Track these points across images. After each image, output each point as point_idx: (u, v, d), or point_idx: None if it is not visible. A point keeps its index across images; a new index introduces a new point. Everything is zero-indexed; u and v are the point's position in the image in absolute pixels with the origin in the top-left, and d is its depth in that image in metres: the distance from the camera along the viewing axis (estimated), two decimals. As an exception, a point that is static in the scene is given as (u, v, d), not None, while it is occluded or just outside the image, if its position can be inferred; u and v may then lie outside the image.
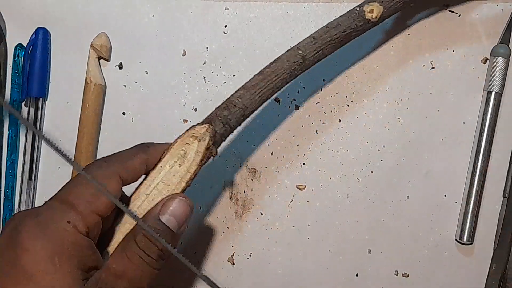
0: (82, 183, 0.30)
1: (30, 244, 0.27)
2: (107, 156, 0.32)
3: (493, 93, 0.43)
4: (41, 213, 0.28)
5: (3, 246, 0.28)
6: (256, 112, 0.44)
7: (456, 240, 0.44)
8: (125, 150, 0.33)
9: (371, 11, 0.36)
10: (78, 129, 0.43)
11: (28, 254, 0.27)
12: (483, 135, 0.43)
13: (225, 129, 0.34)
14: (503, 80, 0.43)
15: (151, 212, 0.31)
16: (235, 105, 0.34)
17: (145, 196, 0.32)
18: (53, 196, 0.30)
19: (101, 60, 0.44)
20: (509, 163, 0.44)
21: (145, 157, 0.32)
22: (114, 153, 0.33)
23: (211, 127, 0.33)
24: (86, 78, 0.43)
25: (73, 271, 0.27)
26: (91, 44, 0.43)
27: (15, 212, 0.44)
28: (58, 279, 0.27)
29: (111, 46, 0.44)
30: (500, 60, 0.42)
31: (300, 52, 0.36)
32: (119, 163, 0.31)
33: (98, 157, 0.45)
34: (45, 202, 0.30)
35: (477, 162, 0.43)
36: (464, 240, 0.43)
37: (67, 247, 0.27)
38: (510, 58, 0.43)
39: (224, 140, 0.35)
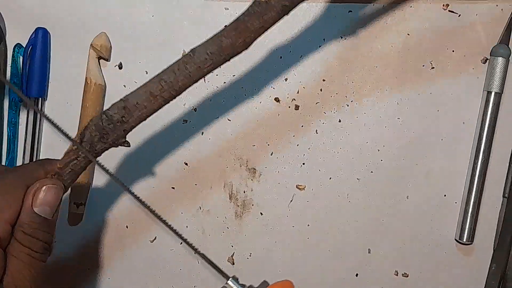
0: None
1: None
2: (15, 167, 0.33)
3: (493, 93, 0.43)
4: None
5: None
6: (256, 112, 0.44)
7: (456, 240, 0.44)
8: (31, 162, 0.34)
9: None
10: (78, 129, 0.43)
11: None
12: (483, 135, 0.43)
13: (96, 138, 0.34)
14: (503, 80, 0.43)
15: (24, 207, 0.30)
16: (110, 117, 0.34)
17: None
18: None
19: (101, 60, 0.44)
20: (509, 163, 0.44)
21: (49, 169, 0.33)
22: (22, 165, 0.33)
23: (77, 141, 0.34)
24: (86, 78, 0.43)
25: None
26: (91, 44, 0.43)
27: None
28: None
29: (111, 46, 0.44)
30: (500, 60, 0.42)
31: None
32: (28, 174, 0.32)
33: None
34: None
35: (477, 162, 0.43)
36: (464, 240, 0.43)
37: None
38: (510, 58, 0.43)
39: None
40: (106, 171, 0.34)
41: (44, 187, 0.31)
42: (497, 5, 0.44)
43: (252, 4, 0.34)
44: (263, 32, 0.35)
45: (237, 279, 0.35)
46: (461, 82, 0.44)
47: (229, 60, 0.35)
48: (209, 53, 0.34)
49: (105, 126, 0.34)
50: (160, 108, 0.35)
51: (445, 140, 0.44)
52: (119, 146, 0.35)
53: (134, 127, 0.35)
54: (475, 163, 0.43)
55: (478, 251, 0.44)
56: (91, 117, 0.43)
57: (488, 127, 0.43)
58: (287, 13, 0.36)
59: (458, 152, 0.44)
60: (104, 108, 0.44)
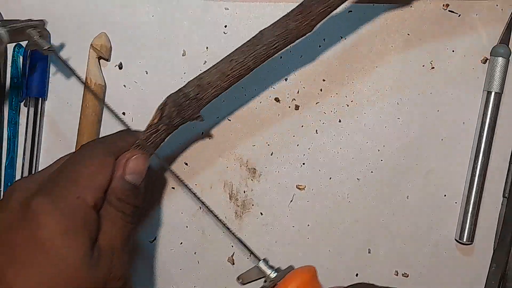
0: (79, 162, 0.32)
1: (46, 220, 0.29)
2: (102, 137, 0.37)
3: (493, 93, 0.43)
4: (51, 190, 0.30)
5: (15, 222, 0.29)
6: (256, 112, 0.44)
7: (456, 240, 0.44)
8: (114, 133, 0.37)
9: None
10: (78, 129, 0.43)
11: (44, 229, 0.28)
12: (483, 135, 0.43)
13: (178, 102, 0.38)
14: (503, 80, 0.43)
15: (116, 175, 0.33)
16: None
17: None
18: (53, 173, 0.32)
19: (101, 60, 0.44)
20: (509, 163, 0.44)
21: (133, 140, 0.36)
22: (107, 135, 0.36)
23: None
24: (86, 78, 0.43)
25: (84, 244, 0.30)
26: (91, 44, 0.43)
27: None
28: (72, 252, 0.29)
29: (111, 46, 0.44)
30: (500, 60, 0.42)
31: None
32: (114, 144, 0.35)
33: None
34: (43, 174, 0.32)
35: (477, 162, 0.43)
36: (464, 240, 0.43)
37: (78, 222, 0.30)
38: (510, 58, 0.43)
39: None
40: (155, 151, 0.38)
41: (134, 156, 0.34)
42: (497, 5, 0.44)
43: None
44: (326, 16, 0.38)
45: (268, 261, 0.37)
46: (461, 82, 0.44)
47: (294, 42, 0.39)
48: (276, 35, 0.38)
49: (182, 102, 0.37)
50: (229, 86, 0.39)
51: (445, 140, 0.44)
52: (194, 121, 0.39)
53: (207, 103, 0.39)
54: (475, 163, 0.43)
55: (478, 251, 0.44)
56: (91, 117, 0.43)
57: (488, 127, 0.43)
58: None
59: (458, 152, 0.44)
60: (104, 108, 0.44)
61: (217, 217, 0.41)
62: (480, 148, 0.43)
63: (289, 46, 0.39)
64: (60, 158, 0.35)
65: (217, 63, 0.39)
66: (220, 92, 0.39)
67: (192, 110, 0.38)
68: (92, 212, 0.31)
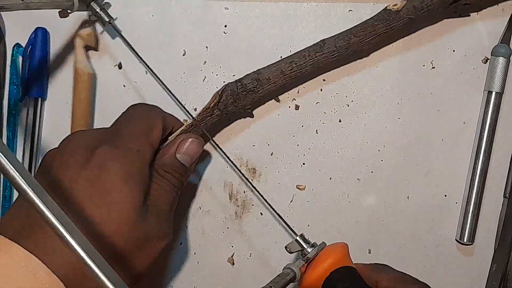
0: (136, 119, 0.36)
1: (110, 165, 0.31)
2: (149, 104, 0.40)
3: (493, 93, 0.43)
4: (115, 141, 0.33)
5: (80, 163, 0.31)
6: (256, 112, 0.44)
7: (456, 240, 0.44)
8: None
9: (395, 5, 0.41)
10: (71, 124, 0.43)
11: (108, 173, 0.31)
12: (483, 135, 0.43)
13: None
14: (504, 80, 0.43)
15: (169, 150, 0.37)
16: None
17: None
18: (112, 128, 0.36)
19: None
20: (510, 163, 0.44)
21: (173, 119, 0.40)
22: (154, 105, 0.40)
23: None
24: (77, 69, 0.43)
25: (140, 193, 0.32)
26: (78, 34, 0.43)
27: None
28: (129, 197, 0.31)
29: (97, 35, 0.44)
30: (501, 60, 0.42)
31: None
32: (162, 112, 0.39)
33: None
34: (98, 130, 0.36)
35: (478, 162, 0.43)
36: (465, 240, 0.43)
37: (136, 172, 0.32)
38: (510, 58, 0.43)
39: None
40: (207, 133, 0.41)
41: (190, 139, 0.38)
42: (497, 5, 0.44)
43: (382, 11, 0.41)
44: (385, 39, 0.42)
45: (304, 236, 0.38)
46: (462, 82, 0.44)
47: (352, 55, 0.42)
48: (337, 46, 0.41)
49: (239, 92, 0.41)
50: (285, 87, 0.42)
51: (446, 140, 0.44)
52: (245, 116, 0.43)
53: (261, 98, 0.42)
54: (475, 163, 0.43)
55: (479, 251, 0.44)
56: (84, 108, 0.43)
57: (489, 127, 0.43)
58: (413, 27, 0.43)
59: (458, 152, 0.44)
60: (96, 99, 0.44)
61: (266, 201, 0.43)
62: (481, 148, 0.43)
63: (346, 63, 0.43)
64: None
65: (278, 61, 0.41)
66: (274, 89, 0.41)
67: (246, 102, 0.41)
68: (147, 168, 0.34)
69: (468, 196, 0.43)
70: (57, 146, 0.34)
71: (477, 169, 0.43)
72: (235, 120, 0.44)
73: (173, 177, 0.36)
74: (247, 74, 0.41)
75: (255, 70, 0.41)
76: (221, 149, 0.43)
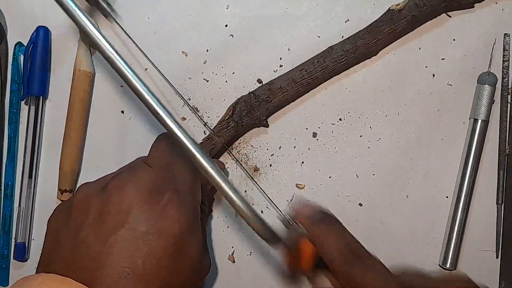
0: (181, 164, 0.36)
1: (177, 214, 0.33)
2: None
3: (479, 121, 0.43)
4: (180, 191, 0.34)
5: (148, 211, 0.32)
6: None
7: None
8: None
9: (397, 4, 0.42)
10: (66, 124, 0.44)
11: (174, 221, 0.33)
12: (474, 137, 0.43)
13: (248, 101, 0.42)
14: (489, 108, 0.43)
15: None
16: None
17: None
18: (168, 173, 0.36)
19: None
20: (498, 169, 0.44)
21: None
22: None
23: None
24: (76, 68, 0.43)
25: (200, 237, 0.35)
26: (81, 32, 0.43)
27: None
28: (195, 241, 0.34)
29: None
30: (487, 88, 0.43)
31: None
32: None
33: (87, 153, 0.45)
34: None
35: (468, 164, 0.43)
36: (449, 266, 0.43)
37: (197, 220, 0.35)
38: (496, 86, 0.43)
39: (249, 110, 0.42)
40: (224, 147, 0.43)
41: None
42: (496, 3, 0.44)
43: (386, 12, 0.42)
44: (392, 38, 0.43)
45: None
46: (462, 82, 0.44)
47: (361, 60, 0.43)
48: (345, 50, 0.42)
49: (252, 103, 0.41)
50: (297, 93, 0.43)
51: (445, 140, 0.44)
52: (260, 125, 0.43)
53: (275, 107, 0.42)
54: (465, 168, 0.43)
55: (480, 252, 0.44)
56: (81, 107, 0.43)
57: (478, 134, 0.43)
58: (416, 23, 0.43)
59: (458, 152, 0.44)
60: (93, 96, 0.44)
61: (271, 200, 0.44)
62: (470, 154, 0.43)
63: (354, 64, 0.43)
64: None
65: (289, 70, 0.42)
66: (287, 98, 0.42)
67: (261, 112, 0.42)
68: (202, 214, 0.37)
69: (467, 197, 0.43)
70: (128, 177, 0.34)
71: (466, 172, 0.43)
72: (250, 130, 0.45)
73: (205, 206, 0.40)
74: (259, 86, 0.42)
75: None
76: (233, 155, 0.44)
